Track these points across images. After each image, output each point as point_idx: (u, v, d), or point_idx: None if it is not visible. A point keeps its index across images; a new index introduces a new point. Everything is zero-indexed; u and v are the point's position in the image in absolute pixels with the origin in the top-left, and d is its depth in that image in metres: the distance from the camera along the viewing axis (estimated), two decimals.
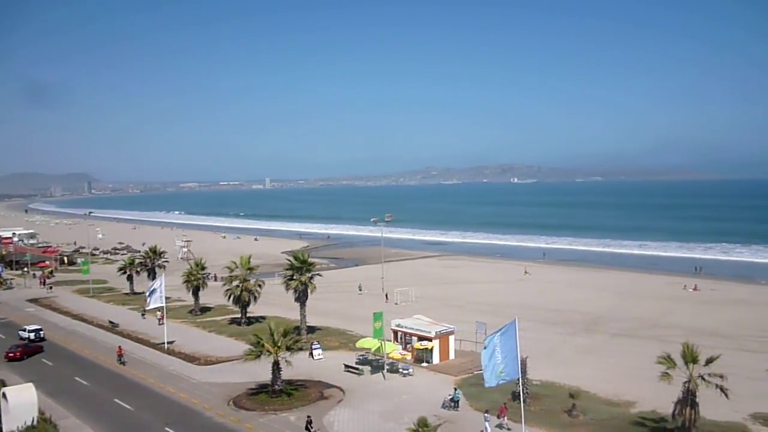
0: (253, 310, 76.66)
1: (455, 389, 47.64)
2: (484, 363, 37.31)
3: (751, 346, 60.98)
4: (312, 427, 39.56)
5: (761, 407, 43.41)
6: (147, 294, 69.28)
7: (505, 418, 42.11)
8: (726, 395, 37.95)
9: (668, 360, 39.73)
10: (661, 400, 43.20)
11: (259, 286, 75.29)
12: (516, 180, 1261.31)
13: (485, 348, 37.52)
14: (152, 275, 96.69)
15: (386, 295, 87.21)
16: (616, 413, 45.29)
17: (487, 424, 40.48)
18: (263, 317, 75.84)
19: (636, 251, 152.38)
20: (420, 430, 40.45)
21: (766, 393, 37.53)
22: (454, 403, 46.31)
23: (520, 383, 40.86)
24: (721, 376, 38.21)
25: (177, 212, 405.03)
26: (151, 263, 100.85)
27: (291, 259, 69.60)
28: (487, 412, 41.52)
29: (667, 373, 39.38)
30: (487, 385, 37.54)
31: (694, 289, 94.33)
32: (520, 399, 39.16)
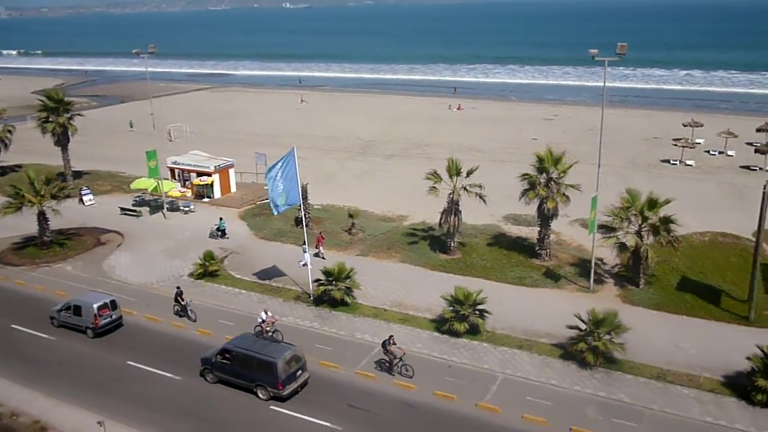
0: (6, 159, 68.96)
1: (220, 219, 48.16)
2: (268, 192, 37.71)
3: (503, 158, 68.22)
4: (182, 300, 36.34)
5: (511, 210, 49.70)
6: None
7: (321, 247, 43.72)
8: (484, 201, 42.72)
9: (435, 175, 43.25)
10: (430, 211, 47.45)
11: (9, 132, 67.28)
12: (288, 5, 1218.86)
13: (268, 179, 37.75)
14: None
15: (169, 132, 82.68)
16: (390, 227, 49.19)
17: (306, 255, 41.62)
18: (19, 166, 68.71)
19: (404, 75, 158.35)
20: (207, 263, 40.86)
21: (515, 197, 42.71)
22: (220, 232, 47.02)
23: (302, 208, 42.19)
24: (480, 186, 42.68)
25: None
26: None
27: (44, 99, 62.38)
28: (304, 243, 42.64)
29: (434, 187, 43.02)
30: (274, 213, 38.37)
31: (458, 108, 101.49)
32: (302, 224, 40.63)
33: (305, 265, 40.90)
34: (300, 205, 39.88)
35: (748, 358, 28.23)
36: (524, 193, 41.94)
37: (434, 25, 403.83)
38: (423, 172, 45.08)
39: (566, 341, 31.63)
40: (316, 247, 43.52)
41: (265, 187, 38.66)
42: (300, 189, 38.28)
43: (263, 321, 33.47)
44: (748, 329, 33.38)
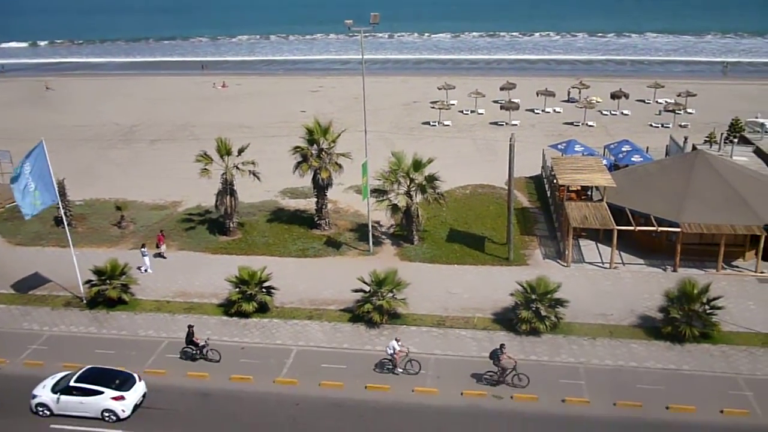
0: None
1: None
2: (17, 195, 33.75)
3: (274, 132, 67.83)
4: (197, 340, 29.92)
5: (287, 184, 49.91)
6: None
7: (164, 246, 40.03)
8: (258, 179, 42.35)
9: (205, 157, 41.91)
10: (204, 194, 46.00)
11: None
12: None
13: (15, 178, 33.73)
14: None
15: None
16: (164, 215, 46.96)
17: (145, 258, 37.89)
18: None
19: (169, 57, 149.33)
20: None
21: (289, 171, 42.92)
22: None
23: (61, 207, 38.50)
24: (253, 163, 42.19)
25: None
26: None
27: None
28: (143, 246, 38.64)
29: (205, 169, 41.68)
30: (26, 216, 34.38)
31: (223, 86, 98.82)
32: (63, 223, 37.08)
33: (147, 270, 37.84)
34: (58, 204, 36.25)
35: (511, 294, 31.47)
36: (297, 165, 42.24)
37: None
38: (192, 155, 43.40)
39: (353, 305, 32.72)
40: (157, 247, 40.15)
41: (12, 188, 34.49)
42: (55, 185, 34.80)
43: (395, 352, 28.19)
44: (509, 268, 37.17)
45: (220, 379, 28.33)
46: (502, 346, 27.39)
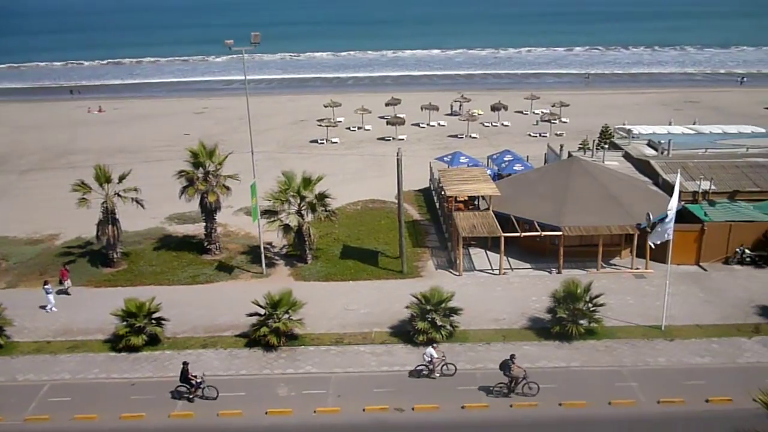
0: None
1: None
2: None
3: (158, 156, 65.65)
4: (194, 377, 27.65)
5: (173, 209, 48.33)
6: None
7: (68, 281, 37.01)
8: (142, 206, 40.77)
9: (83, 186, 39.91)
10: (85, 225, 43.63)
11: None
12: None
13: None
14: None
15: None
16: (40, 249, 44.18)
17: (50, 296, 35.00)
18: None
19: (38, 83, 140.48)
20: None
21: (175, 196, 41.62)
22: None
23: None
24: (135, 189, 40.57)
25: None
26: None
27: None
28: (46, 283, 35.46)
29: (84, 198, 39.65)
30: None
31: (99, 110, 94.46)
32: None
33: (51, 309, 35.21)
34: None
35: (407, 307, 31.81)
36: (183, 190, 40.99)
37: (50, 20, 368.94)
38: (69, 184, 41.10)
39: (249, 329, 31.99)
40: (61, 283, 37.12)
41: None
42: None
43: (432, 359, 28.48)
44: (404, 281, 37.62)
45: (109, 419, 26.81)
46: (512, 356, 27.39)
